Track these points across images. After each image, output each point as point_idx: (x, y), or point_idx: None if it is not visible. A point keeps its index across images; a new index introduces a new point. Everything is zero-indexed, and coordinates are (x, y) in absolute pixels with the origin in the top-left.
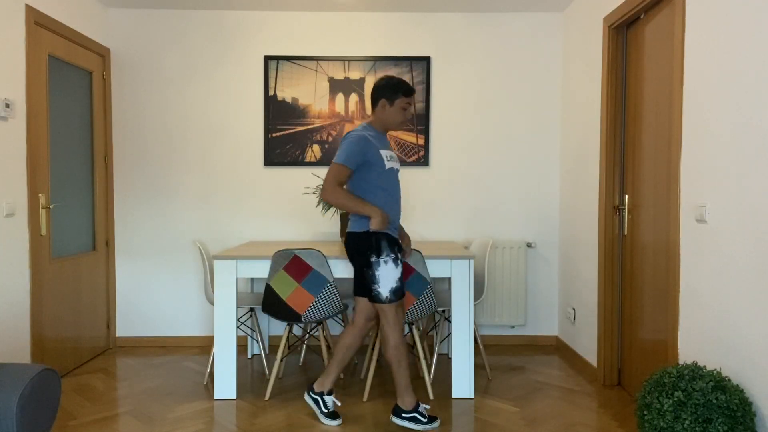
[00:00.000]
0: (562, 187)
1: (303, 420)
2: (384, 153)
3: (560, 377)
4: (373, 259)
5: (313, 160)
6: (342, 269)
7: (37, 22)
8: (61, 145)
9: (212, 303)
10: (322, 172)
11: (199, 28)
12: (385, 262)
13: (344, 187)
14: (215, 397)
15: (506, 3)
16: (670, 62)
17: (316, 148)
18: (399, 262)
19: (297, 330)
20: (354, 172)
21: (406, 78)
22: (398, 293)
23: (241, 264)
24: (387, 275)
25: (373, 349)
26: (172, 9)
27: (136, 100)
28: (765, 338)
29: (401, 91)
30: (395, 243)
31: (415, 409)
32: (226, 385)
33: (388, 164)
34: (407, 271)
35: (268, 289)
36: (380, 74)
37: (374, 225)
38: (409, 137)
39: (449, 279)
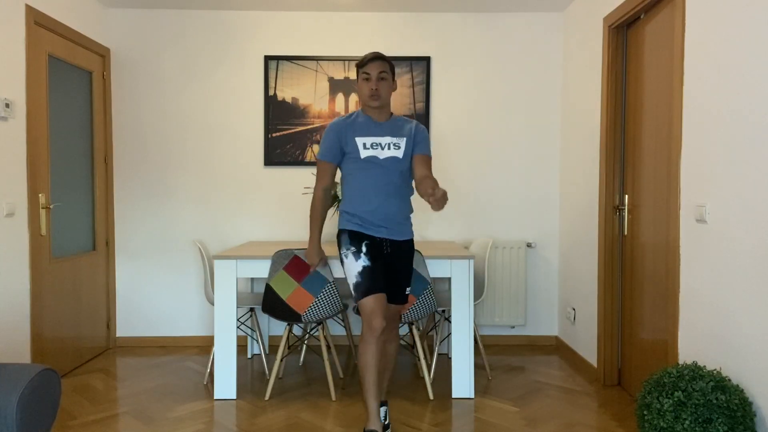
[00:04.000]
0: (562, 187)
1: (303, 420)
2: (363, 140)
3: (560, 377)
4: (341, 253)
5: (313, 160)
6: (342, 269)
7: (37, 22)
8: (61, 145)
9: (212, 303)
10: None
11: (199, 28)
12: (345, 255)
13: (334, 181)
14: (215, 397)
15: (506, 3)
16: (670, 62)
17: (316, 148)
18: (361, 255)
19: (297, 330)
20: (342, 163)
21: (406, 78)
22: (359, 289)
23: (241, 264)
24: (348, 269)
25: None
26: (172, 9)
27: (136, 100)
28: (765, 338)
29: (358, 66)
30: (363, 238)
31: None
32: (226, 385)
33: (364, 153)
34: None
35: (268, 289)
36: None
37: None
38: None
39: (449, 279)
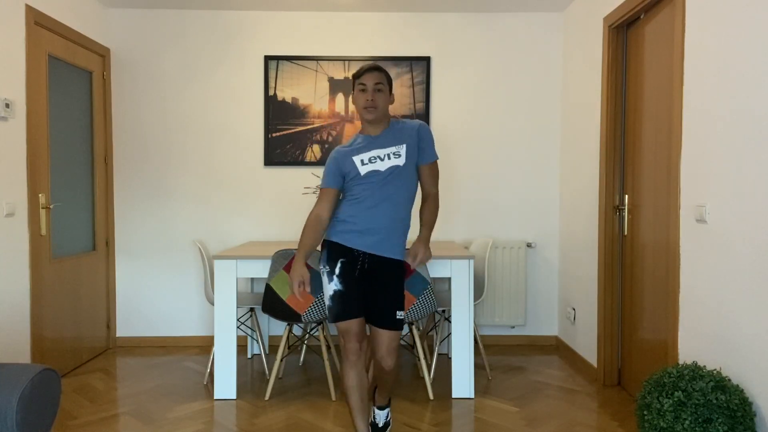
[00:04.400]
0: (562, 187)
1: (303, 420)
2: (361, 157)
3: (560, 377)
4: (319, 266)
5: (313, 160)
6: None
7: (37, 22)
8: (61, 145)
9: (212, 303)
10: (322, 172)
11: (199, 28)
12: (321, 273)
13: (336, 201)
14: (215, 397)
15: (506, 3)
16: (670, 62)
17: (316, 148)
18: (335, 277)
19: (297, 330)
20: (345, 185)
21: (406, 78)
22: (330, 313)
23: (241, 264)
24: (324, 287)
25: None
26: (172, 9)
27: (136, 100)
28: (765, 338)
29: (354, 77)
30: (339, 254)
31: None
32: (226, 385)
33: (364, 169)
34: (407, 271)
35: (268, 289)
36: None
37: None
38: None
39: (449, 279)
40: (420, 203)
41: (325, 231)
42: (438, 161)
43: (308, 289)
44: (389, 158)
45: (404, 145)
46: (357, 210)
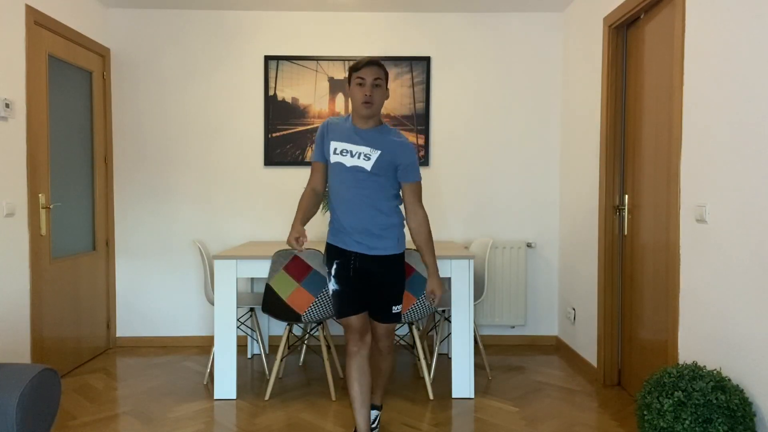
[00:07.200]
0: (562, 187)
1: (303, 420)
2: (336, 145)
3: (560, 377)
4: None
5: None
6: None
7: (37, 22)
8: (61, 145)
9: (212, 303)
10: None
11: (199, 28)
12: (327, 273)
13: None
14: (215, 397)
15: (506, 3)
16: (670, 62)
17: None
18: (332, 278)
19: (297, 330)
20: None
21: (406, 78)
22: (334, 309)
23: (241, 264)
24: (329, 287)
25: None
26: (172, 9)
27: (136, 100)
28: (765, 338)
29: (352, 69)
30: (335, 256)
31: None
32: (226, 385)
33: (334, 158)
34: (408, 271)
35: (268, 289)
36: None
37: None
38: (409, 137)
39: (449, 279)
40: (408, 222)
41: (320, 203)
42: (421, 181)
43: (306, 242)
44: (358, 157)
45: (378, 152)
46: (336, 210)
